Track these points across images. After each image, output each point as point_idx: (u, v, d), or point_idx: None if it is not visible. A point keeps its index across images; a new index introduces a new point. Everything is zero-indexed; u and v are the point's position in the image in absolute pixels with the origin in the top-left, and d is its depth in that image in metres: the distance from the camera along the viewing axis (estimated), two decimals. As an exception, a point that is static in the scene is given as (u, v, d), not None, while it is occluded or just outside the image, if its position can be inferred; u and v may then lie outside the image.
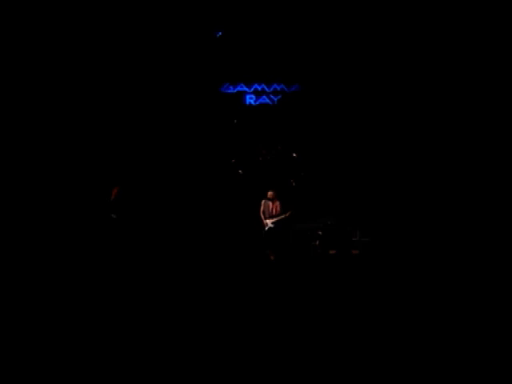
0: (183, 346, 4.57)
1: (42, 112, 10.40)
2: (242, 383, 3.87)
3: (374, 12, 10.81)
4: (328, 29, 11.15)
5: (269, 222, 10.16)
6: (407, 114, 11.07)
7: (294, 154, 11.71)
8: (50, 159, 10.38)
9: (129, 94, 11.15)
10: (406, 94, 11.12)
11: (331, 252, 10.38)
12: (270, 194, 10.19)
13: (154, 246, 9.61)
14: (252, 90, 11.96)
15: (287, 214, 10.08)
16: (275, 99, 11.97)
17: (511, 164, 10.02)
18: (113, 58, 10.92)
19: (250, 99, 11.98)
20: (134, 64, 11.09)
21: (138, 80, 11.16)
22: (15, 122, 10.09)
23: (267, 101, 11.98)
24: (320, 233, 10.55)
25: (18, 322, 5.26)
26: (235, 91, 11.95)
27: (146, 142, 11.21)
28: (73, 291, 6.75)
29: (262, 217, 10.23)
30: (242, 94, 11.96)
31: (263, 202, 10.26)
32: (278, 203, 10.23)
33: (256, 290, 7.05)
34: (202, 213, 10.92)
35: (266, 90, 11.95)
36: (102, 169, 10.71)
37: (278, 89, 11.95)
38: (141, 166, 11.00)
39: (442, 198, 10.45)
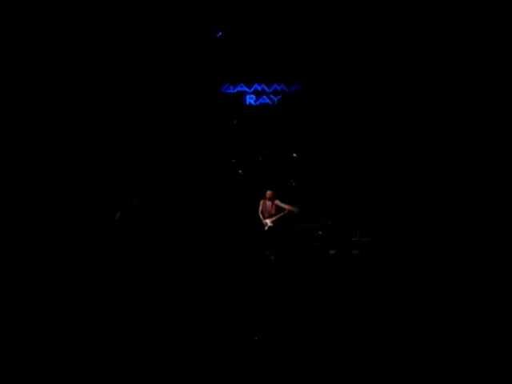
0: (184, 345, 4.58)
1: (52, 116, 10.44)
2: (242, 383, 3.87)
3: (373, 12, 10.81)
4: (328, 29, 11.15)
5: (268, 222, 10.17)
6: (407, 114, 11.07)
7: (294, 154, 11.71)
8: (59, 162, 10.41)
9: (129, 94, 11.14)
10: (405, 95, 11.11)
11: (331, 252, 10.38)
12: (268, 193, 10.19)
13: (154, 246, 9.61)
14: (252, 90, 11.95)
15: (287, 211, 10.07)
16: (275, 99, 11.96)
17: (511, 164, 10.01)
18: (113, 59, 10.91)
19: (250, 99, 11.97)
20: (135, 65, 11.09)
21: (138, 80, 11.16)
22: (25, 127, 10.12)
23: (267, 101, 11.97)
24: (320, 233, 10.55)
25: (28, 320, 5.28)
26: (235, 91, 11.95)
27: (146, 141, 11.21)
28: (82, 289, 6.79)
29: (261, 217, 10.24)
30: (242, 93, 11.96)
31: (262, 201, 10.26)
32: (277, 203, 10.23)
33: (256, 289, 7.05)
34: (202, 213, 10.92)
35: (266, 89, 11.94)
36: (103, 169, 10.71)
37: (278, 89, 11.94)
38: (141, 165, 11.00)
39: (441, 197, 10.44)
